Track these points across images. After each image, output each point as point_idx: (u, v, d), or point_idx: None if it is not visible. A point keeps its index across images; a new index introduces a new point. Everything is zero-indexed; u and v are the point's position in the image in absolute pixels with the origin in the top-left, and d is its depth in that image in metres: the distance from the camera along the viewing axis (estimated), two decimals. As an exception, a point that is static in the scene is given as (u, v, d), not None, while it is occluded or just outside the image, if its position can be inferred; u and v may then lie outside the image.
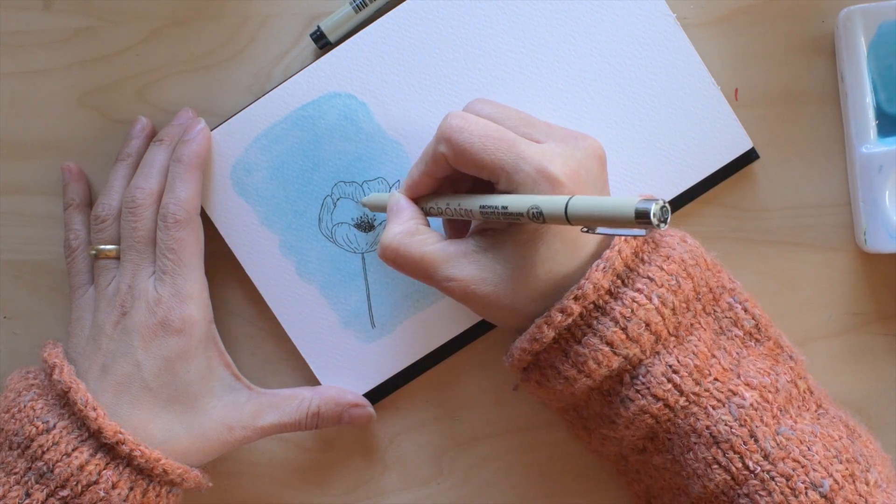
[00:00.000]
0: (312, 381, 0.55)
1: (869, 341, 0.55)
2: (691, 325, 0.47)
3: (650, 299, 0.45)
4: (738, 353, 0.47)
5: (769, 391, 0.46)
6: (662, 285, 0.45)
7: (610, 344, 0.45)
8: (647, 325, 0.45)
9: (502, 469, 0.56)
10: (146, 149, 0.53)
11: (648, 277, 0.45)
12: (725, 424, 0.45)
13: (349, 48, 0.53)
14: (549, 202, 0.41)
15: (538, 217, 0.42)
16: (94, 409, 0.47)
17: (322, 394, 0.53)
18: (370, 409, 0.54)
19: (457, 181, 0.50)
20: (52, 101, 0.55)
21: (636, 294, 0.45)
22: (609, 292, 0.45)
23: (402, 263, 0.47)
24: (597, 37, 0.53)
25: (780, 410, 0.46)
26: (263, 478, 0.56)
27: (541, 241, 0.45)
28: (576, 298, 0.44)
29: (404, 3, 0.53)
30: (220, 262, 0.55)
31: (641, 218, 0.37)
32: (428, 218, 0.49)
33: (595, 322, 0.45)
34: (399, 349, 0.54)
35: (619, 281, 0.45)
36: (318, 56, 0.54)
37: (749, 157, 0.54)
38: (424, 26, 0.53)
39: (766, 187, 0.55)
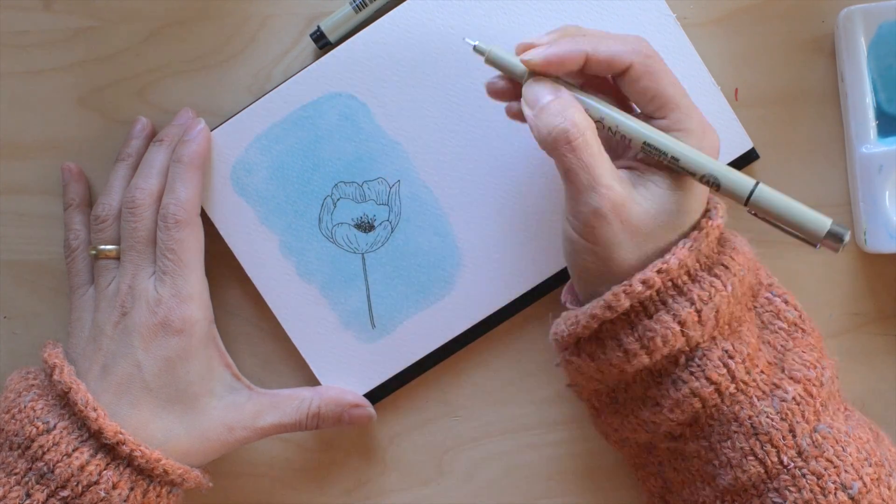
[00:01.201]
0: (312, 381, 0.55)
1: (869, 341, 0.55)
2: (740, 317, 0.47)
3: (725, 287, 0.45)
4: (782, 346, 0.48)
5: (814, 384, 0.46)
6: (735, 274, 0.46)
7: (682, 324, 0.44)
8: (717, 311, 0.45)
9: (502, 469, 0.56)
10: (146, 149, 0.53)
11: (723, 265, 0.46)
12: (767, 417, 0.45)
13: (349, 48, 0.53)
14: (733, 179, 0.44)
15: (713, 182, 0.44)
16: (95, 410, 0.47)
17: (322, 394, 0.53)
18: (370, 409, 0.54)
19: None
20: (52, 101, 0.55)
21: (714, 279, 0.45)
22: (688, 273, 0.45)
23: (576, 154, 0.44)
24: (597, 37, 0.53)
25: (822, 406, 0.46)
26: (263, 478, 0.56)
27: (684, 202, 0.45)
28: (659, 272, 0.44)
29: (404, 3, 0.53)
30: (220, 262, 0.55)
31: (831, 238, 0.43)
32: None
33: (670, 300, 0.45)
34: (399, 349, 0.54)
35: (697, 264, 0.45)
36: (318, 56, 0.54)
37: (749, 157, 0.54)
38: (424, 26, 0.53)
39: (766, 187, 0.55)
